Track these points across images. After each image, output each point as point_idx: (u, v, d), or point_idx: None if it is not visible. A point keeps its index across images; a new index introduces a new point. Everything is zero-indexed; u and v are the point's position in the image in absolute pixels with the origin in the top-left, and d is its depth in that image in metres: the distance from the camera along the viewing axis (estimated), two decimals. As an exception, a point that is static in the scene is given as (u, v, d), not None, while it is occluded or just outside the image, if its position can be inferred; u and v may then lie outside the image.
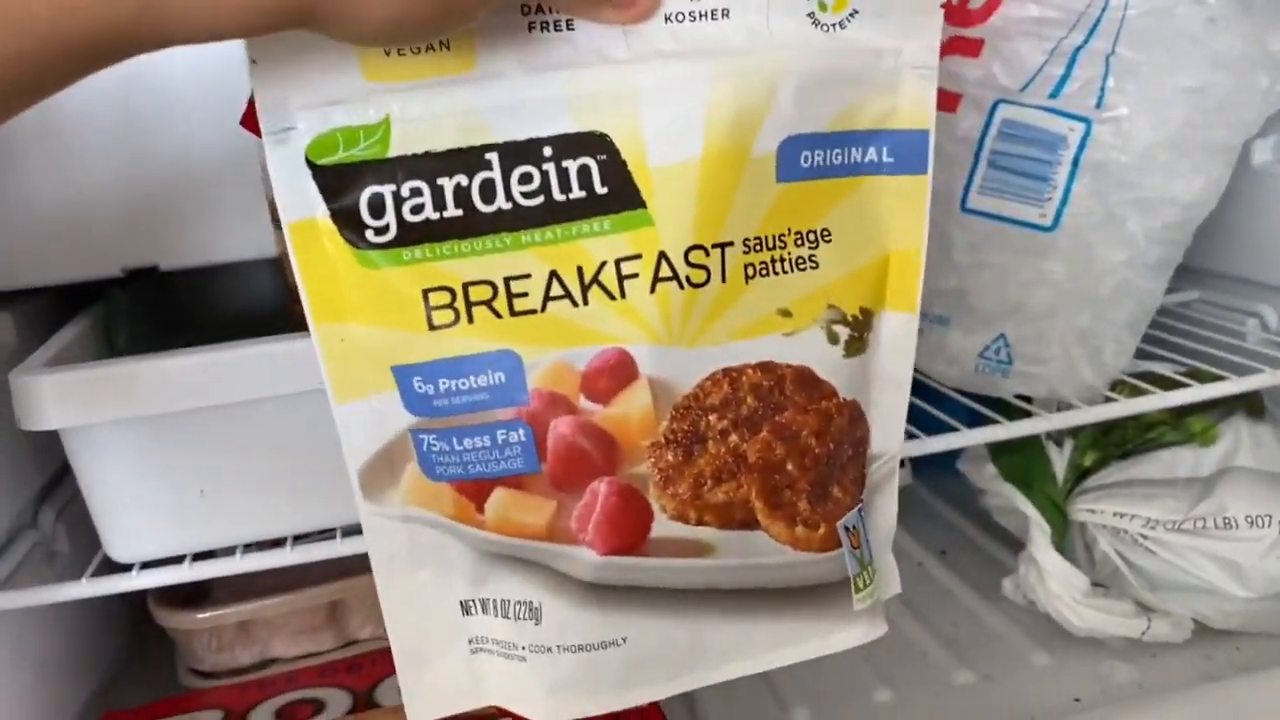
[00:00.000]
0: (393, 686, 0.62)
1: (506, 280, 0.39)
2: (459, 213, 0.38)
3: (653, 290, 0.39)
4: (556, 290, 0.39)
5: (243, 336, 0.53)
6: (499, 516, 0.40)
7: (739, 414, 0.41)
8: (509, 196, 0.38)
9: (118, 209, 0.58)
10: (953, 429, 0.65)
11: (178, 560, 0.56)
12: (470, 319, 0.39)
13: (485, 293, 0.39)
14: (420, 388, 0.39)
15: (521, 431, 0.39)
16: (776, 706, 0.67)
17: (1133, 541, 0.68)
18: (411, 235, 0.38)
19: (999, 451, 0.73)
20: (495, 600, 0.42)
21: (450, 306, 0.39)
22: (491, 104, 0.38)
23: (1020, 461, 0.72)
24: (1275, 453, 0.69)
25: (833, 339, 0.42)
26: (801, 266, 0.42)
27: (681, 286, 0.39)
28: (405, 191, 0.38)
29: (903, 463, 0.90)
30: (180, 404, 0.51)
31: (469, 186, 0.38)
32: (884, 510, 0.47)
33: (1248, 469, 0.68)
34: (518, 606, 0.41)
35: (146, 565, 0.56)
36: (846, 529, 0.43)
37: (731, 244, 0.40)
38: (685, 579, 0.41)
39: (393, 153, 0.38)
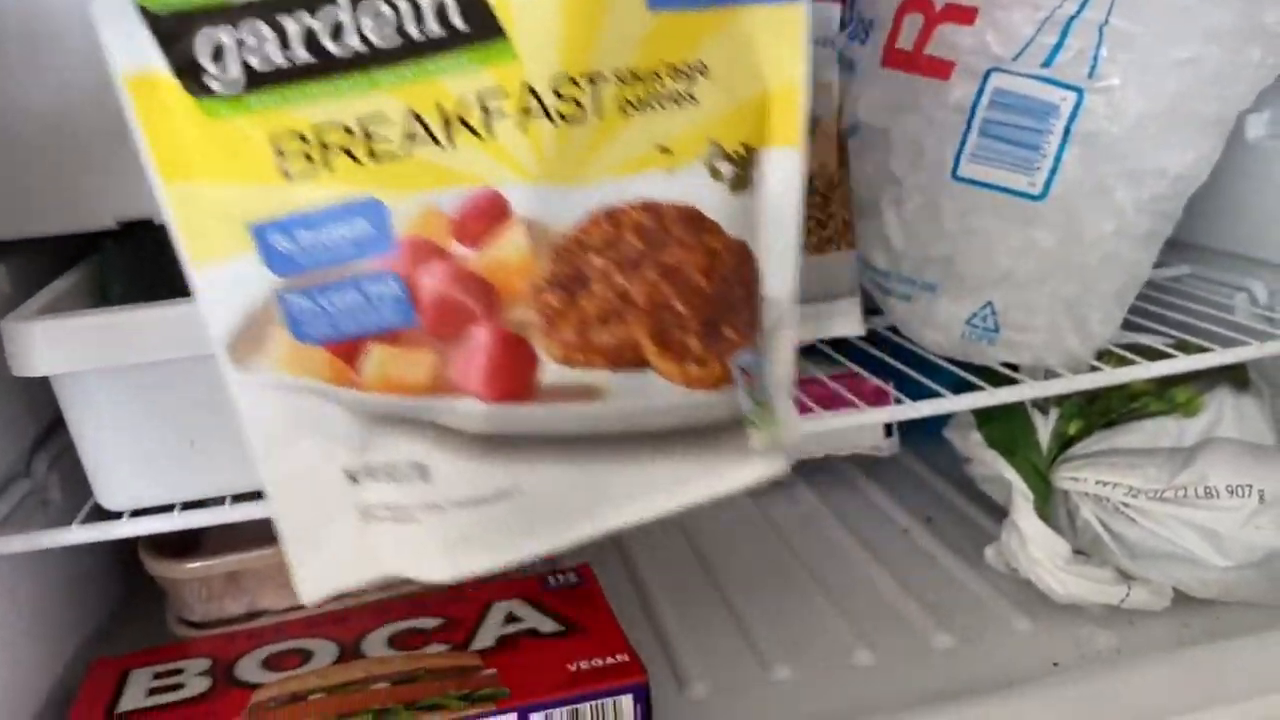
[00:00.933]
0: (379, 637, 0.63)
1: (363, 123, 0.37)
2: (307, 54, 0.37)
3: (521, 125, 0.38)
4: (418, 131, 0.37)
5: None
6: (377, 375, 0.39)
7: (622, 254, 0.40)
8: (360, 34, 0.37)
9: (110, 159, 0.58)
10: (939, 395, 0.66)
11: (168, 509, 0.57)
12: (328, 166, 0.37)
13: (341, 137, 0.37)
14: (280, 245, 0.37)
15: (392, 282, 0.38)
16: (758, 665, 0.68)
17: (1114, 509, 0.68)
18: (258, 81, 0.37)
19: (984, 419, 0.74)
20: (382, 464, 0.41)
21: (304, 155, 0.37)
22: None
23: (1005, 429, 0.72)
24: (1259, 424, 0.70)
25: (716, 175, 0.41)
26: (679, 101, 0.40)
27: (553, 121, 0.38)
28: (247, 35, 0.36)
29: (889, 431, 0.92)
30: (170, 353, 0.52)
31: (316, 26, 0.36)
32: (781, 357, 0.46)
33: (1230, 440, 0.68)
34: (406, 467, 0.40)
35: (136, 513, 0.57)
36: (741, 368, 0.43)
37: (604, 75, 0.38)
38: (577, 424, 0.41)
39: None
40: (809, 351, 0.74)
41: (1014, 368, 0.70)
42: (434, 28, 0.37)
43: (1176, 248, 0.79)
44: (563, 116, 0.38)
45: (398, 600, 0.67)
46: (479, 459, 0.40)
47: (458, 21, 0.37)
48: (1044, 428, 0.72)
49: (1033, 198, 0.65)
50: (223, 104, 0.37)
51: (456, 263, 0.38)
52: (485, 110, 0.38)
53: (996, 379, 0.68)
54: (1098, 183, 0.65)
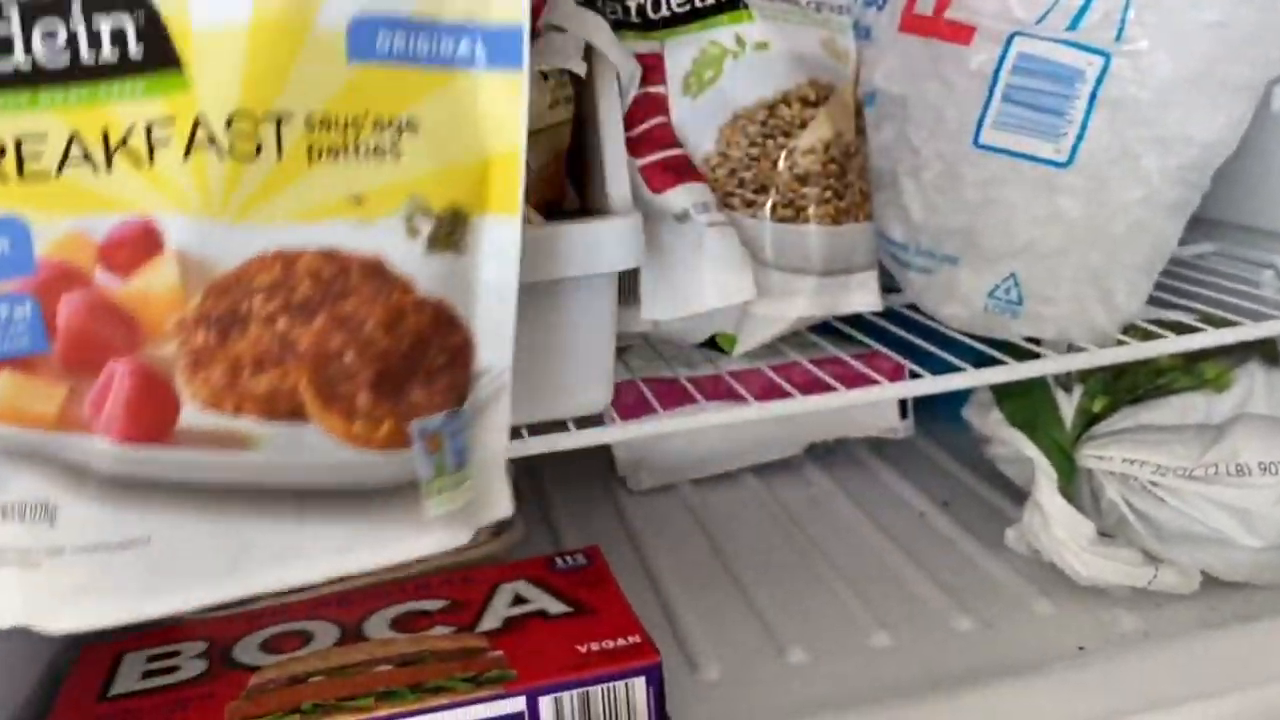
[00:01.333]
0: (382, 619, 0.61)
1: (18, 140, 0.36)
2: None
3: (186, 156, 0.37)
4: (76, 153, 0.36)
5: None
6: (3, 405, 0.37)
7: (291, 298, 0.39)
8: (28, 51, 0.35)
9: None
10: (960, 370, 0.64)
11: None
12: None
13: None
14: None
15: (28, 305, 0.36)
16: (773, 647, 0.66)
17: (1141, 489, 0.66)
18: None
19: (1005, 396, 0.71)
20: (12, 502, 0.38)
21: None
22: None
23: (1027, 406, 0.70)
24: (1290, 401, 0.67)
25: (412, 232, 0.40)
26: (380, 153, 0.40)
27: (222, 156, 0.37)
28: None
29: (904, 413, 0.90)
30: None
31: None
32: (493, 426, 0.45)
33: (1262, 416, 0.66)
34: (33, 507, 0.38)
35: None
36: (423, 431, 0.41)
37: (291, 117, 0.38)
38: (220, 475, 0.39)
39: None
40: (823, 328, 0.72)
41: (1035, 343, 0.67)
42: (108, 53, 0.36)
43: (1200, 225, 0.76)
44: (235, 153, 0.37)
45: (402, 582, 0.65)
46: (109, 503, 0.38)
47: (134, 49, 0.36)
48: (1067, 405, 0.69)
49: (1058, 165, 0.63)
50: None
51: (99, 291, 0.36)
52: (150, 138, 0.36)
53: (1019, 354, 0.66)
54: (1125, 149, 0.63)
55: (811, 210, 0.63)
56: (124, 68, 0.36)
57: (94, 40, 0.36)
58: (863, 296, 0.66)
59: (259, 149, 0.37)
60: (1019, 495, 0.74)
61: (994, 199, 0.65)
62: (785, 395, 0.63)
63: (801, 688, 0.62)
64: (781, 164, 0.63)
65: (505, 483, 0.47)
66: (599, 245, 0.55)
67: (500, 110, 0.41)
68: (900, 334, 0.72)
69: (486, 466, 0.46)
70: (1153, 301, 0.69)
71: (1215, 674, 0.61)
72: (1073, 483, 0.69)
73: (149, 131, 0.36)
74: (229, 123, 0.37)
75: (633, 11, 0.63)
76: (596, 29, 0.60)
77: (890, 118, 0.69)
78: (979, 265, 0.66)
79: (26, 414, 0.37)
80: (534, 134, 0.57)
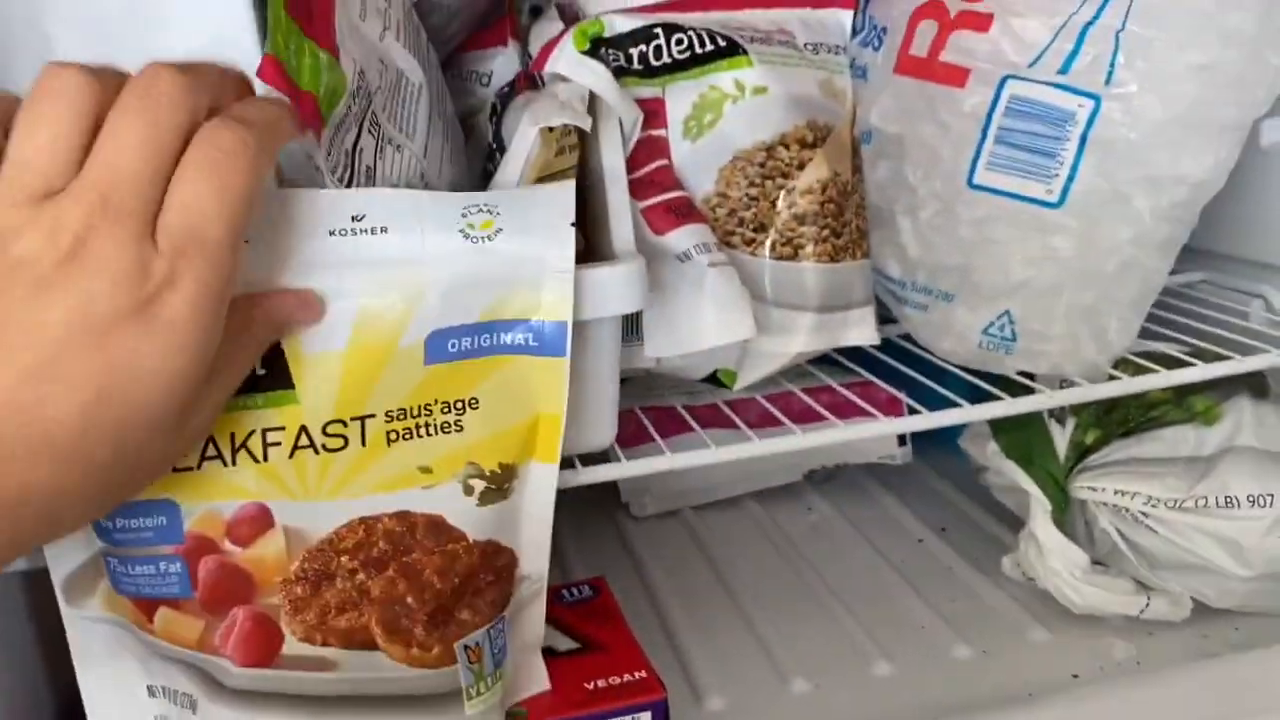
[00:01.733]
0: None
1: None
2: None
3: (291, 455, 0.46)
4: (211, 452, 0.45)
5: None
6: (162, 628, 0.48)
7: (369, 555, 0.49)
8: None
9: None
10: (955, 405, 0.65)
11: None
12: None
13: None
14: (104, 522, 0.46)
15: (178, 564, 0.47)
16: (776, 677, 0.67)
17: (1133, 520, 0.68)
18: None
19: (1001, 429, 0.73)
20: (166, 687, 0.50)
21: None
22: None
23: (1022, 439, 0.72)
24: (1278, 433, 0.69)
25: (468, 491, 0.50)
26: (447, 430, 0.49)
27: (317, 452, 0.46)
28: None
29: (903, 440, 0.91)
30: None
31: None
32: (531, 620, 0.56)
33: (1251, 448, 0.68)
34: (181, 696, 0.49)
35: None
36: (466, 648, 0.51)
37: (373, 416, 0.47)
38: (314, 687, 0.49)
39: None
40: (822, 360, 0.74)
41: (1030, 376, 0.69)
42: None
43: (1190, 254, 0.78)
44: (327, 448, 0.47)
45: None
46: (234, 705, 0.49)
47: (260, 368, 0.45)
48: (1061, 437, 0.71)
49: (1050, 205, 0.65)
50: None
51: (226, 557, 0.47)
52: (265, 441, 0.46)
53: (1014, 388, 0.67)
54: (1115, 190, 0.64)
55: (809, 249, 0.65)
56: (250, 384, 0.44)
57: None
58: (860, 331, 0.68)
59: (346, 441, 0.47)
60: (1015, 521, 0.75)
61: (988, 238, 0.66)
62: (782, 424, 0.64)
63: (806, 718, 0.63)
64: (780, 204, 0.65)
65: (539, 661, 0.57)
66: (605, 290, 0.56)
67: (547, 383, 0.50)
68: (896, 365, 0.74)
69: (523, 652, 0.56)
70: (1143, 332, 0.70)
71: (1206, 704, 0.63)
72: (1067, 513, 0.71)
73: (264, 436, 0.46)
74: (324, 429, 0.46)
75: (635, 59, 0.65)
76: (599, 78, 0.62)
77: (886, 156, 0.71)
78: (974, 303, 0.68)
79: (177, 637, 0.48)
80: (540, 181, 0.59)
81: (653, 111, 0.65)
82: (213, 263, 0.36)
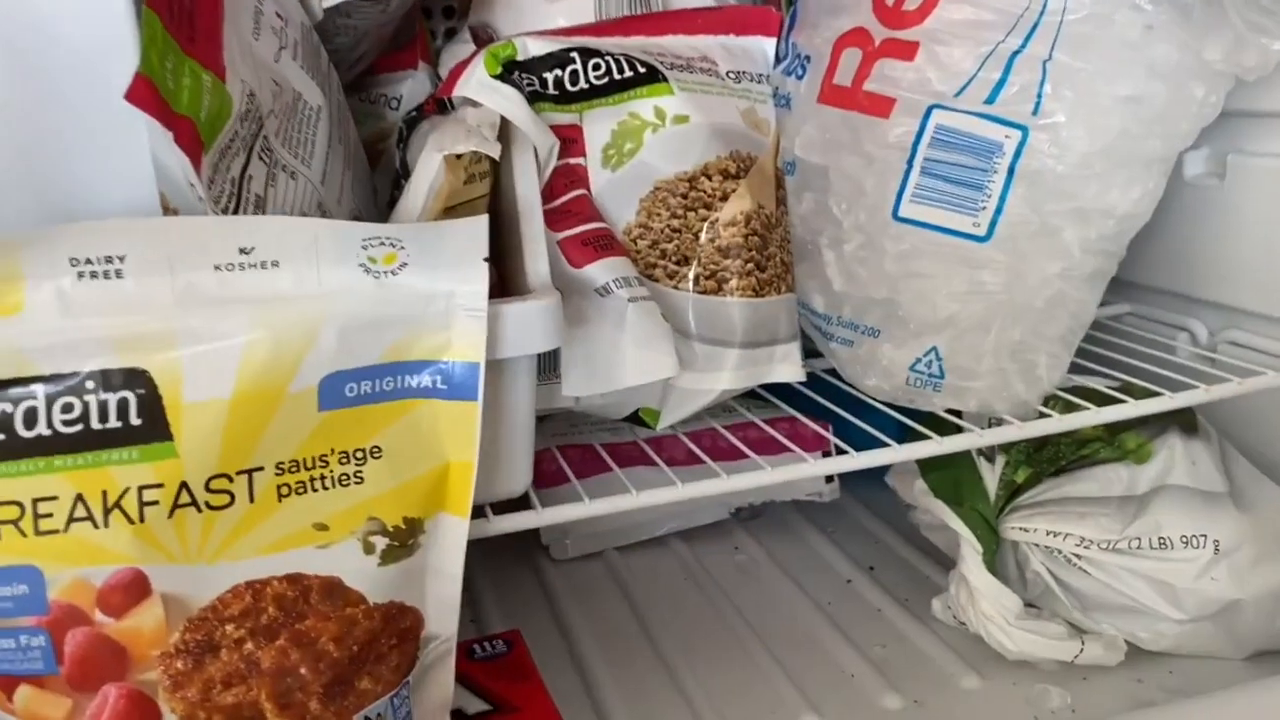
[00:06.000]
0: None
1: (35, 501, 0.41)
2: (1, 437, 0.40)
3: (170, 515, 0.42)
4: (80, 513, 0.42)
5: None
6: (24, 709, 0.44)
7: (258, 623, 0.45)
8: (49, 424, 0.41)
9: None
10: (883, 444, 0.63)
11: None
12: None
13: (13, 513, 0.41)
14: None
15: (41, 638, 0.43)
16: (696, 731, 0.64)
17: (1065, 561, 0.66)
18: None
19: (929, 467, 0.71)
20: None
21: None
22: (36, 345, 0.40)
23: (951, 477, 0.70)
24: (1209, 470, 0.68)
25: (368, 549, 0.46)
26: (345, 483, 0.45)
27: (200, 510, 0.43)
28: None
29: (830, 478, 0.89)
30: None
31: (12, 413, 0.40)
32: (439, 681, 0.52)
33: (1183, 487, 0.66)
34: None
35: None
36: (367, 719, 0.48)
37: (262, 469, 0.44)
38: None
39: None
40: (746, 395, 0.71)
41: (957, 413, 0.67)
42: (114, 422, 0.41)
43: (1116, 285, 0.77)
44: (210, 506, 0.43)
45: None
46: None
47: (135, 418, 0.41)
48: (991, 475, 0.69)
49: (977, 239, 0.63)
50: None
51: (97, 628, 0.43)
52: (141, 500, 0.42)
53: (943, 426, 0.65)
54: (1044, 223, 0.63)
55: (734, 283, 0.62)
56: (124, 437, 0.41)
57: (103, 413, 0.41)
58: (786, 368, 0.65)
59: (232, 498, 0.43)
60: (942, 557, 0.73)
61: (914, 272, 0.64)
62: (704, 464, 0.62)
63: (730, 777, 0.61)
64: (703, 236, 0.62)
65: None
66: (519, 327, 0.53)
67: (457, 430, 0.47)
68: (822, 401, 0.72)
69: (430, 717, 0.52)
70: (1072, 366, 0.69)
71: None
72: (998, 554, 0.69)
73: (140, 494, 0.42)
74: (207, 485, 0.43)
75: (550, 84, 0.62)
76: (511, 103, 0.59)
77: (811, 188, 0.69)
78: (901, 339, 0.66)
79: (41, 717, 0.44)
80: (448, 210, 0.56)
81: (570, 139, 0.62)
82: None
